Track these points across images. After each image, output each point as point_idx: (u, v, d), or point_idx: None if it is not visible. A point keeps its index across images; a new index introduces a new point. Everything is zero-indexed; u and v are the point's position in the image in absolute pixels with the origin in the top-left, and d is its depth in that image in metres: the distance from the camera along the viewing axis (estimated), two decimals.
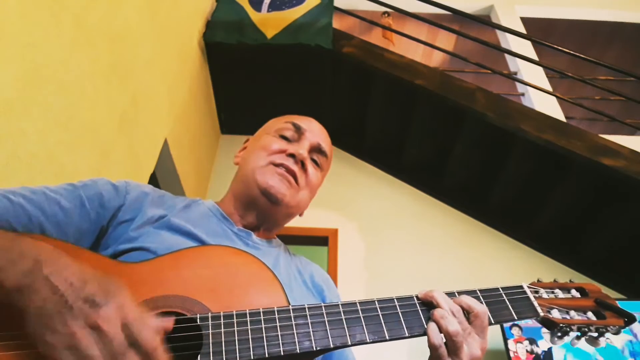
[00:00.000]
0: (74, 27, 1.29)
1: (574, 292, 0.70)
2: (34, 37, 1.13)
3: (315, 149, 0.83)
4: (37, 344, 0.43)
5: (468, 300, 0.60)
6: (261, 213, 0.79)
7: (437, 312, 0.58)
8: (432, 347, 0.57)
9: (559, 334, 0.65)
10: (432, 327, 0.57)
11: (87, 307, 0.43)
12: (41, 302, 0.43)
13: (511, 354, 2.01)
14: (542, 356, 2.01)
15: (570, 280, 0.73)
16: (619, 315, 0.66)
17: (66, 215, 0.65)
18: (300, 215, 0.87)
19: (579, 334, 0.65)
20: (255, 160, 0.79)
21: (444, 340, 0.57)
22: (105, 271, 0.59)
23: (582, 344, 0.65)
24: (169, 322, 0.48)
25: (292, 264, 0.81)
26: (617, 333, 0.65)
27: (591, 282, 0.72)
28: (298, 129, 0.83)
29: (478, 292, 0.65)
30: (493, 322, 0.62)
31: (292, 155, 0.79)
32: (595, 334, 0.65)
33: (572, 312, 0.66)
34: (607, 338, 0.67)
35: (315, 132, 0.84)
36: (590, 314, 0.66)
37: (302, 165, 0.80)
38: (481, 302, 0.63)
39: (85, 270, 0.47)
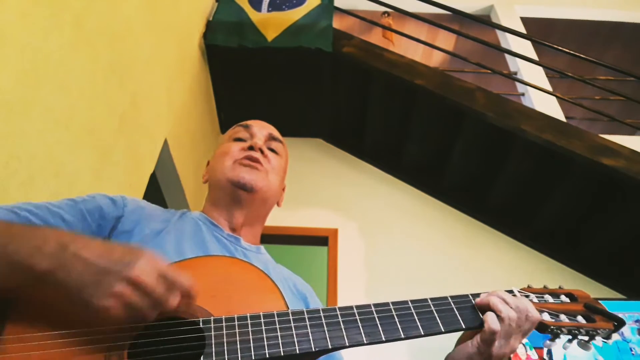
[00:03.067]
0: (74, 27, 1.30)
1: (563, 298, 0.72)
2: (34, 37, 1.13)
3: (269, 138, 0.92)
4: (92, 311, 0.47)
5: (529, 306, 0.65)
6: (242, 206, 0.84)
7: (494, 299, 0.64)
8: (490, 332, 0.61)
9: (550, 337, 0.66)
10: (491, 314, 0.63)
11: (122, 268, 0.48)
12: (78, 276, 0.48)
13: (510, 355, 2.01)
14: (542, 356, 2.01)
15: (559, 287, 0.75)
16: (608, 318, 0.67)
17: (69, 227, 0.68)
18: (279, 204, 0.94)
19: (570, 337, 0.66)
20: (222, 166, 0.86)
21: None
22: None
23: (575, 347, 0.66)
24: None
25: (278, 271, 0.85)
26: (607, 337, 0.67)
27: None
28: (247, 127, 0.92)
29: (470, 296, 0.66)
30: None
31: (250, 148, 0.87)
32: (586, 337, 0.66)
33: (562, 316, 0.67)
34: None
35: (262, 125, 0.94)
36: (580, 318, 0.68)
37: (262, 153, 0.88)
38: (473, 307, 0.66)
39: (106, 242, 0.54)
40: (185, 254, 0.71)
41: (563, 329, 0.65)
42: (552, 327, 0.65)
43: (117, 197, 0.78)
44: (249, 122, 0.94)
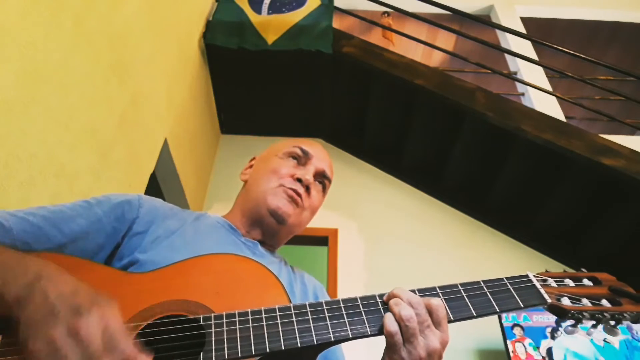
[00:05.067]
0: (74, 27, 1.30)
1: (586, 281, 0.68)
2: (34, 37, 1.13)
3: (320, 174, 0.90)
4: (23, 351, 0.44)
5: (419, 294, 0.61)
6: (266, 231, 0.84)
7: (392, 301, 0.59)
8: (388, 334, 0.57)
9: (572, 322, 0.62)
10: (388, 316, 0.58)
11: (70, 315, 0.45)
12: (32, 311, 0.45)
13: (511, 354, 2.01)
14: (542, 356, 2.01)
15: (581, 270, 0.70)
16: (636, 301, 0.63)
17: (83, 231, 0.68)
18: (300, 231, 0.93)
19: (594, 322, 0.62)
20: (266, 183, 0.85)
21: (399, 328, 0.57)
22: (116, 282, 0.63)
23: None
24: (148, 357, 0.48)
25: (292, 273, 0.85)
26: (636, 320, 0.63)
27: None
28: (306, 154, 0.89)
29: (482, 282, 0.65)
30: (499, 310, 0.62)
31: (299, 180, 0.85)
32: (612, 322, 0.62)
33: (585, 300, 0.63)
34: None
35: (320, 157, 0.91)
36: (604, 302, 0.63)
37: (307, 189, 0.86)
38: (485, 293, 0.63)
39: (80, 284, 0.50)
40: (197, 252, 0.70)
41: (585, 314, 0.61)
42: (572, 311, 0.61)
43: (133, 197, 0.77)
44: (311, 149, 0.91)
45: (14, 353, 0.48)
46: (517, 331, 2.08)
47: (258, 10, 2.74)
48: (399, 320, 0.56)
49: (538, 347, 2.03)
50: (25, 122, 1.10)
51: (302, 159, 0.89)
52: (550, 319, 2.10)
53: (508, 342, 2.05)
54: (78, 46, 1.32)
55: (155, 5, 1.88)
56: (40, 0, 1.15)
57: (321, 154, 0.92)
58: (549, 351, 2.01)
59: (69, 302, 0.46)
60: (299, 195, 0.84)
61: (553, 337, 2.04)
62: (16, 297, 0.47)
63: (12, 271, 0.50)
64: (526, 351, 2.02)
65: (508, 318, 2.12)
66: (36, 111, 1.14)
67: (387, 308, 0.60)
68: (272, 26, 2.64)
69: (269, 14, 2.73)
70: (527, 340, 2.05)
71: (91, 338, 0.44)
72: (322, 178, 0.90)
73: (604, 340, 2.00)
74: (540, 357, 2.00)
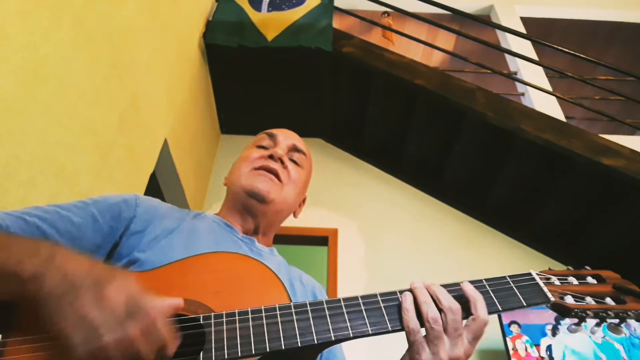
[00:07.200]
0: (74, 27, 1.30)
1: (590, 279, 0.67)
2: (34, 37, 1.13)
3: (292, 149, 0.91)
4: (49, 326, 0.46)
5: (478, 302, 0.59)
6: (255, 215, 0.84)
7: (420, 296, 0.59)
8: (408, 331, 0.56)
9: (575, 321, 0.62)
10: (409, 310, 0.57)
11: (92, 286, 0.47)
12: (53, 286, 0.47)
13: (510, 352, 2.02)
14: (541, 353, 2.01)
15: (585, 267, 0.70)
16: None
17: (79, 231, 0.68)
18: (295, 216, 0.93)
19: (598, 320, 0.62)
20: (239, 171, 0.86)
21: (420, 327, 0.57)
22: None
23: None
24: (177, 301, 0.52)
25: (290, 270, 0.85)
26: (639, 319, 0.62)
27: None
28: (272, 136, 0.91)
29: (484, 281, 0.64)
30: (501, 309, 0.61)
31: (270, 156, 0.86)
32: (616, 320, 0.62)
33: (588, 298, 0.63)
34: None
35: (287, 135, 0.93)
36: (608, 300, 0.63)
37: (282, 163, 0.86)
38: (487, 292, 0.63)
39: (94, 261, 0.52)
40: (196, 251, 0.70)
41: (589, 312, 0.61)
42: (575, 309, 0.60)
43: (129, 197, 0.77)
44: (275, 130, 0.93)
45: (27, 350, 0.48)
46: (514, 328, 2.08)
47: (258, 8, 2.74)
48: (425, 322, 0.56)
49: (537, 345, 2.03)
50: (25, 122, 1.10)
51: (268, 141, 0.91)
52: (550, 317, 2.10)
53: (507, 339, 2.05)
54: (78, 46, 1.32)
55: (155, 5, 1.88)
56: (40, 0, 1.15)
57: (287, 131, 0.94)
58: (549, 348, 2.01)
59: (88, 275, 0.48)
60: (274, 170, 0.84)
61: (554, 335, 2.04)
62: (33, 274, 0.48)
63: (24, 250, 0.51)
64: (526, 349, 2.02)
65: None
66: (36, 111, 1.14)
67: (390, 306, 0.59)
68: (271, 23, 2.64)
69: (268, 11, 2.73)
70: (524, 338, 2.05)
71: (116, 305, 0.47)
72: (294, 152, 0.91)
73: (603, 337, 2.00)
74: (539, 355, 2.00)
